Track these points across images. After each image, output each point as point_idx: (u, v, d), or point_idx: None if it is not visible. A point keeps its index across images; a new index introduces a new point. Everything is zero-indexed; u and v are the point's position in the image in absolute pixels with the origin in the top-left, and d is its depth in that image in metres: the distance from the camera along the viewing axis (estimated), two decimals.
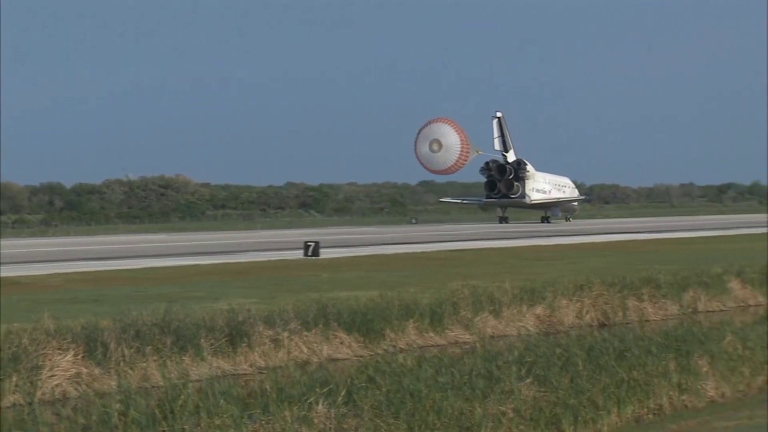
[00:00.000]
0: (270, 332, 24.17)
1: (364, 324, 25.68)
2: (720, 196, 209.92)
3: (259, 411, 15.84)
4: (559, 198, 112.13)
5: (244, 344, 23.55)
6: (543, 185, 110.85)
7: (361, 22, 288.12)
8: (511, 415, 16.77)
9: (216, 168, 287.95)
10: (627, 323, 30.14)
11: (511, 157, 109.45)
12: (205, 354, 22.69)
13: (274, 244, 60.87)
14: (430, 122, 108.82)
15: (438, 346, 26.21)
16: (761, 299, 36.19)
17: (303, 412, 15.70)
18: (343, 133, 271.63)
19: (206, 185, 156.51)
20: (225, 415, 15.32)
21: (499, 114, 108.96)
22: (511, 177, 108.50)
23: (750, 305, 35.59)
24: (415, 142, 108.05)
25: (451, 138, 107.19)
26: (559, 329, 29.00)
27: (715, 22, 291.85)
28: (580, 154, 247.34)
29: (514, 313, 29.37)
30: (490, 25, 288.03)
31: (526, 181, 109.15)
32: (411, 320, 26.76)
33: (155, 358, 21.86)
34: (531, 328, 29.08)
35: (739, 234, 69.14)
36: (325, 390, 16.62)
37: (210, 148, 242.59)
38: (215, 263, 43.80)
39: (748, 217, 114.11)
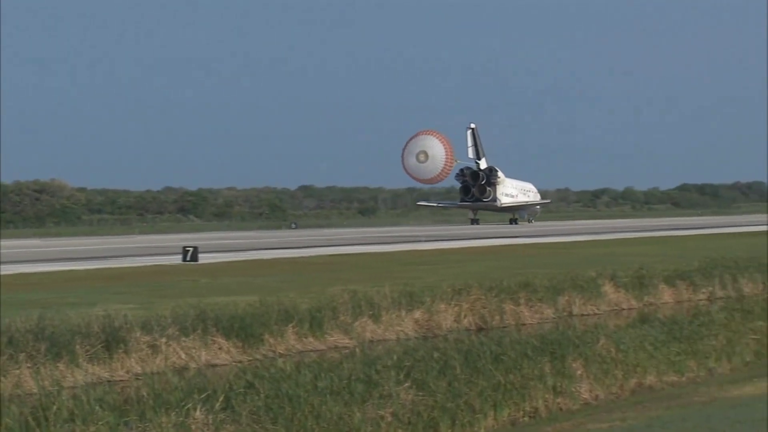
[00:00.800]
0: (147, 338, 23.90)
1: (243, 329, 25.54)
2: (594, 201, 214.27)
3: (135, 418, 15.65)
4: (525, 202, 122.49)
5: (120, 350, 23.25)
6: (511, 190, 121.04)
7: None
8: (390, 419, 16.84)
9: (93, 172, 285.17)
10: (504, 327, 30.52)
11: (483, 164, 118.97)
12: (80, 360, 22.32)
13: (152, 249, 60.12)
14: (417, 134, 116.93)
15: (317, 351, 26.20)
16: (634, 303, 37.05)
17: (180, 419, 15.57)
18: (223, 138, 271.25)
19: (82, 190, 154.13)
20: (100, 422, 15.12)
21: (473, 125, 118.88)
22: (483, 183, 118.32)
23: (623, 309, 36.39)
24: (402, 153, 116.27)
25: (437, 149, 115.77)
26: (437, 333, 29.23)
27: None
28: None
29: (393, 317, 29.50)
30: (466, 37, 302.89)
31: (497, 186, 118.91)
32: (290, 325, 26.70)
33: (29, 365, 21.41)
34: (410, 333, 29.25)
35: (612, 239, 70.68)
36: (203, 396, 16.49)
37: (86, 151, 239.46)
38: (91, 269, 43.10)
39: (621, 222, 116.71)
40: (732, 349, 24.74)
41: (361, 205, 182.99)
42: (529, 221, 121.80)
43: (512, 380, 19.25)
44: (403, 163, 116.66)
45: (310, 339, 27.07)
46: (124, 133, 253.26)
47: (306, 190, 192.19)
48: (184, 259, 47.18)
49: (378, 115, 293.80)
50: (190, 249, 47.53)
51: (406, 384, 18.05)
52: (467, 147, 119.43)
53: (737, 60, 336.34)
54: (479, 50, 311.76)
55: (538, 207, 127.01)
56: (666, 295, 38.61)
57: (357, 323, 28.34)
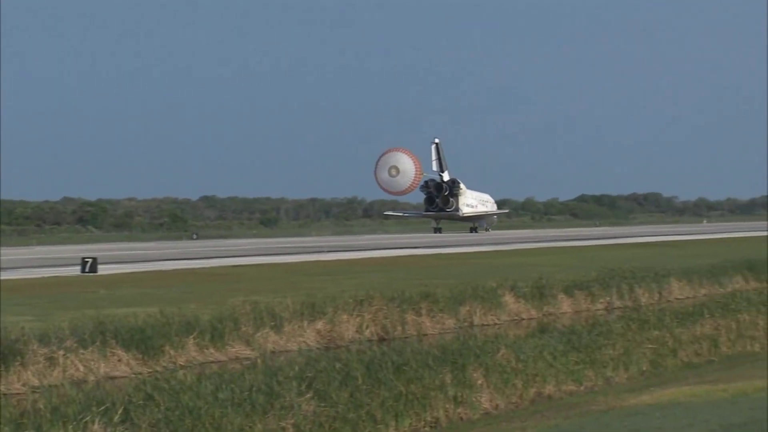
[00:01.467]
0: (44, 350, 23.53)
1: (143, 341, 25.30)
2: None
3: (32, 431, 15.37)
4: (484, 211, 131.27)
5: (17, 363, 22.84)
6: (471, 201, 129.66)
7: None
8: (291, 430, 16.80)
9: None
10: (406, 337, 30.65)
11: (446, 176, 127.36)
12: None
13: (50, 260, 59.13)
14: (388, 151, 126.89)
15: (219, 362, 26.02)
16: (533, 313, 37.50)
17: (78, 431, 15.36)
18: (123, 147, 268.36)
19: None
20: None
21: (437, 140, 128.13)
22: (447, 194, 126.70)
23: (523, 319, 36.81)
24: (375, 168, 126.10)
25: (407, 164, 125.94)
26: (339, 344, 29.23)
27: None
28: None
29: (295, 328, 29.45)
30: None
31: (459, 197, 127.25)
32: (191, 337, 26.49)
33: None
34: (312, 343, 29.21)
35: (513, 249, 71.44)
36: (102, 408, 16.28)
37: None
38: None
39: (520, 233, 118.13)
40: (629, 359, 25.19)
41: (263, 216, 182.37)
42: (486, 230, 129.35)
43: (414, 390, 19.34)
44: (375, 177, 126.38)
45: (212, 350, 26.90)
46: (20, 142, 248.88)
47: (207, 201, 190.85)
48: (83, 271, 46.50)
49: (283, 123, 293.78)
50: (89, 260, 46.88)
51: (308, 395, 18.02)
52: (431, 160, 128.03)
53: (632, 76, 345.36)
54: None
55: (495, 216, 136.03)
56: (565, 305, 39.16)
57: (259, 334, 28.23)
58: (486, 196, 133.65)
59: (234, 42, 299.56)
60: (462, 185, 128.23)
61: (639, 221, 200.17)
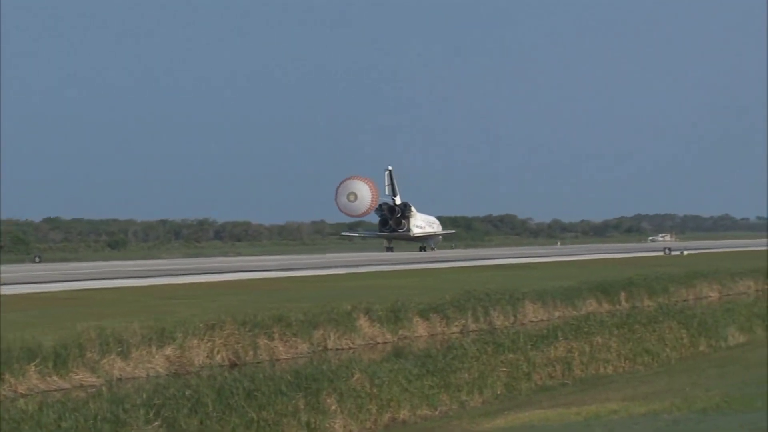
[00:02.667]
0: None
1: None
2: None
3: None
4: (432, 232, 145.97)
5: None
6: (420, 222, 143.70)
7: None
8: None
9: None
10: (258, 362, 30.48)
11: (398, 200, 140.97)
12: None
13: None
14: (348, 179, 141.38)
15: (62, 390, 25.45)
16: (389, 336, 37.71)
17: None
18: None
19: None
20: None
21: (390, 167, 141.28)
22: (399, 216, 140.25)
23: (378, 342, 36.99)
24: (336, 193, 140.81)
25: (363, 191, 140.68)
26: (189, 370, 28.91)
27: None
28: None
29: (143, 354, 29.01)
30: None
31: (410, 219, 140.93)
32: (33, 364, 25.84)
33: None
34: (161, 370, 28.82)
35: (368, 272, 71.76)
36: None
37: None
38: None
39: (375, 256, 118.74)
40: (483, 382, 25.53)
41: (111, 238, 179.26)
42: (432, 248, 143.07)
43: (265, 417, 19.24)
44: (336, 202, 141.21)
45: (55, 378, 26.29)
46: None
47: (51, 222, 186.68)
48: None
49: (130, 143, 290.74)
50: None
51: (156, 423, 17.78)
52: (385, 186, 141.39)
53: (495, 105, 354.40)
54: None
55: (440, 236, 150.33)
56: (420, 328, 39.50)
57: (105, 360, 27.72)
58: (433, 219, 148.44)
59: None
60: (413, 208, 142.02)
61: (495, 243, 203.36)
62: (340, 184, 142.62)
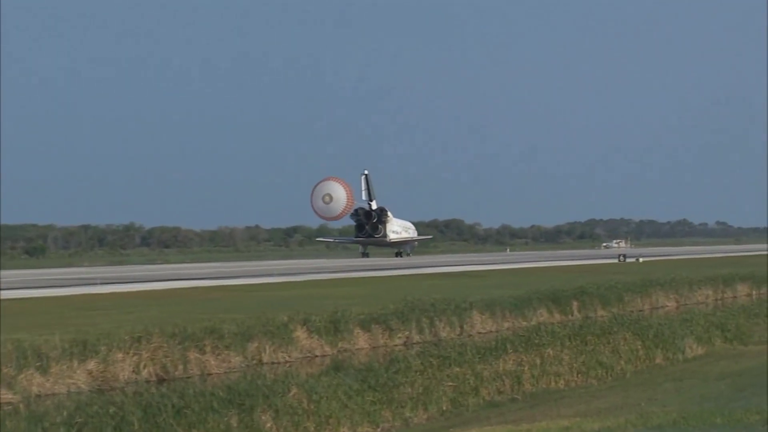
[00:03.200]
0: None
1: None
2: (287, 240, 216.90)
3: None
4: (408, 237, 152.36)
5: None
6: (397, 228, 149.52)
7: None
8: None
9: None
10: (188, 377, 30.33)
11: (374, 205, 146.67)
12: None
13: None
14: (323, 180, 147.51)
15: None
16: (328, 349, 37.69)
17: None
18: None
19: None
20: None
21: (366, 171, 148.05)
22: (375, 221, 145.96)
23: (316, 355, 36.95)
24: (311, 196, 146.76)
25: (339, 192, 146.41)
26: (114, 386, 28.71)
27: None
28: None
29: (63, 369, 28.77)
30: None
31: (386, 224, 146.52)
32: None
33: None
34: (83, 386, 28.59)
35: (305, 280, 71.68)
36: None
37: None
38: None
39: (313, 263, 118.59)
40: (428, 397, 25.58)
41: (29, 245, 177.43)
42: (408, 254, 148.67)
43: None
44: (311, 204, 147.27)
45: None
46: None
47: None
48: None
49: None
50: None
51: None
52: (361, 190, 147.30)
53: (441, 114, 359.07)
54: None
55: (416, 242, 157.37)
56: (361, 340, 39.53)
57: (22, 376, 27.44)
58: (408, 224, 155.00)
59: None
60: (389, 213, 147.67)
61: (440, 250, 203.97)
62: (316, 185, 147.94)
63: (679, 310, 54.82)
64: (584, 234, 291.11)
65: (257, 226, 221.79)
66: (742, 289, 67.85)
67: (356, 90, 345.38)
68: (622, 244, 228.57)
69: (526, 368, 29.44)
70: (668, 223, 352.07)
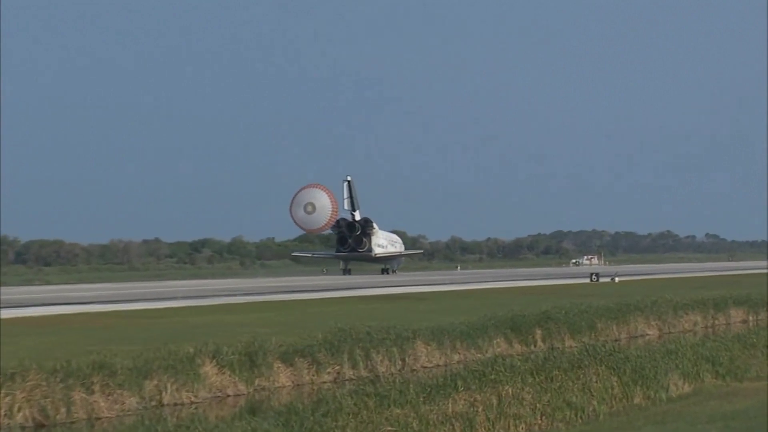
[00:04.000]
0: None
1: None
2: (192, 256, 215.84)
3: None
4: (396, 252, 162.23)
5: None
6: (382, 241, 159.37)
7: None
8: None
9: None
10: (72, 422, 30.12)
11: (357, 215, 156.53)
12: None
13: None
14: (304, 188, 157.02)
15: None
16: (242, 387, 37.57)
17: None
18: None
19: None
20: None
21: (349, 178, 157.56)
22: (359, 233, 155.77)
23: (229, 395, 36.83)
24: (291, 205, 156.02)
25: (323, 201, 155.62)
26: None
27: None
28: None
29: None
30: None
31: (372, 237, 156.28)
32: None
33: None
34: None
35: (216, 304, 71.39)
36: None
37: None
38: None
39: (223, 283, 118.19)
40: None
41: None
42: (394, 271, 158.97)
43: None
44: (291, 214, 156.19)
45: None
46: None
47: None
48: None
49: None
50: None
51: None
52: (343, 199, 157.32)
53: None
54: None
55: (403, 257, 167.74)
56: (283, 376, 39.47)
57: None
58: (395, 237, 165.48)
59: None
60: (375, 225, 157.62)
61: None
62: (297, 193, 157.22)
63: (662, 339, 55.29)
64: (549, 249, 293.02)
65: (157, 240, 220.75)
66: (736, 315, 68.66)
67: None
68: (595, 261, 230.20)
69: (480, 409, 29.51)
70: (649, 235, 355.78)
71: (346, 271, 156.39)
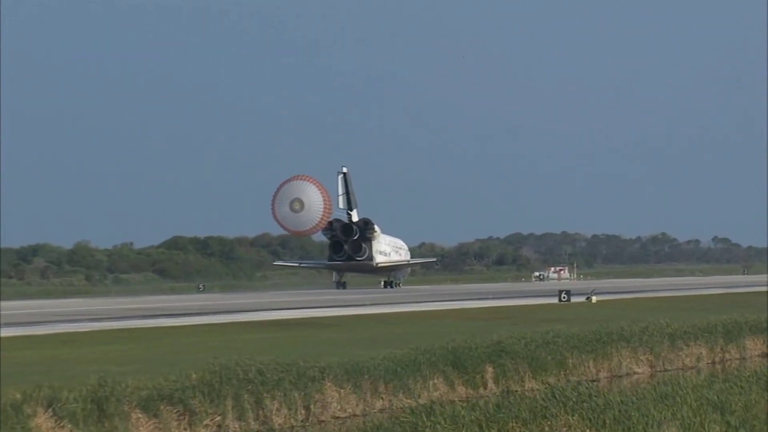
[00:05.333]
0: None
1: None
2: (21, 268, 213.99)
3: None
4: (401, 261, 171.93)
5: None
6: (385, 247, 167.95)
7: None
8: None
9: None
10: None
11: (355, 216, 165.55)
12: None
13: None
14: (289, 180, 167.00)
15: None
16: None
17: None
18: None
19: None
20: None
21: (345, 169, 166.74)
22: (357, 238, 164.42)
23: None
24: (273, 201, 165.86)
25: (314, 196, 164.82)
26: None
27: None
28: None
29: None
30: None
31: (372, 243, 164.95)
32: None
33: None
34: None
35: (50, 333, 71.00)
36: None
37: None
38: None
39: (64, 304, 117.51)
40: None
41: None
42: (398, 284, 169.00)
43: None
44: (273, 212, 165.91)
45: None
46: None
47: None
48: None
49: None
50: None
51: None
52: (338, 195, 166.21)
53: None
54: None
55: (408, 268, 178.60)
56: (144, 430, 39.38)
57: None
58: (399, 242, 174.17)
59: None
60: (377, 228, 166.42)
61: (273, 283, 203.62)
62: (280, 187, 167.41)
63: (655, 379, 55.61)
64: (504, 258, 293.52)
65: None
66: (753, 347, 69.18)
67: None
68: (565, 274, 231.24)
69: None
70: (638, 240, 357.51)
71: (340, 285, 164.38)
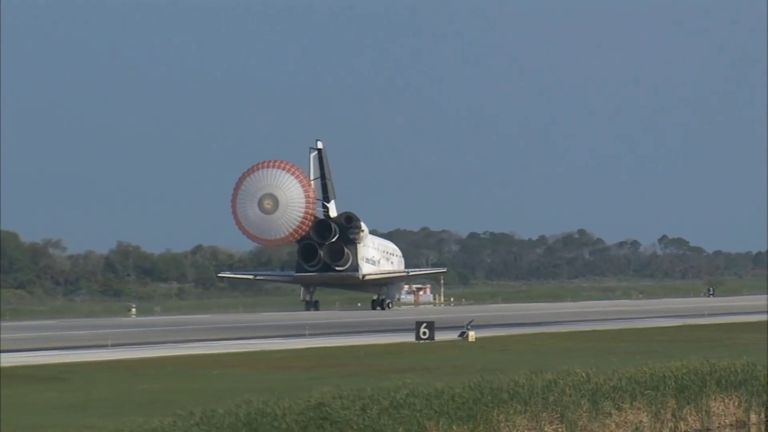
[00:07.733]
0: None
1: None
2: None
3: None
4: (395, 272, 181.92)
5: None
6: (373, 252, 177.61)
7: None
8: None
9: None
10: None
11: (333, 210, 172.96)
12: None
13: None
14: (256, 168, 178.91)
15: None
16: None
17: None
18: None
19: None
20: None
21: (320, 144, 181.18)
22: (336, 239, 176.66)
23: None
24: (235, 199, 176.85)
25: (292, 191, 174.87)
26: None
27: None
28: None
29: None
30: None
31: (358, 247, 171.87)
32: None
33: None
34: None
35: None
36: None
37: None
38: None
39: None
40: None
41: None
42: (389, 304, 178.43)
43: None
44: (235, 214, 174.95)
45: None
46: None
47: None
48: None
49: None
50: None
51: None
52: (310, 180, 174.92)
53: None
54: None
55: (404, 282, 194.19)
56: None
57: None
58: (391, 246, 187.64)
59: None
60: (363, 225, 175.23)
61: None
62: (244, 177, 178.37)
63: None
64: None
65: None
66: (722, 410, 69.42)
67: None
68: (426, 295, 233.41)
69: None
70: (542, 241, 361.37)
71: (311, 305, 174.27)
